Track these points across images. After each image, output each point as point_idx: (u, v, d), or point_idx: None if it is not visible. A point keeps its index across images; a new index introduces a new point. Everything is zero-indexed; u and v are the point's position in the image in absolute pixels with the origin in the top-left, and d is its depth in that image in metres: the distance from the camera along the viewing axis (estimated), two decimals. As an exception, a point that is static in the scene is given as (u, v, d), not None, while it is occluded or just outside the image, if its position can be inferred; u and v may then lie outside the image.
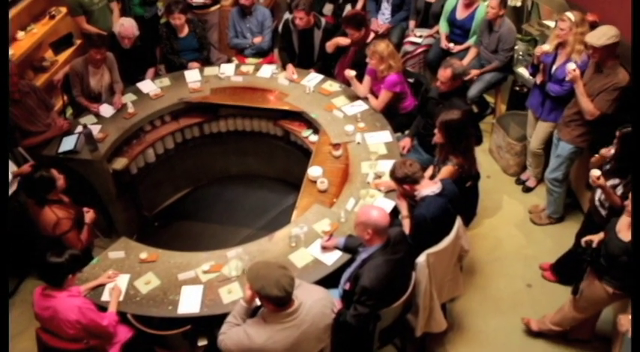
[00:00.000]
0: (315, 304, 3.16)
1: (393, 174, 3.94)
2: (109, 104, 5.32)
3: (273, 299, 2.98)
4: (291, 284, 2.99)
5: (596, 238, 3.84)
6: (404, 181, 3.88)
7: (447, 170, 4.21)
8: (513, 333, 4.51)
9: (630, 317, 3.58)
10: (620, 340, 3.80)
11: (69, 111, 5.98)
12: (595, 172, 3.94)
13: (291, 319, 3.05)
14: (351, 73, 5.19)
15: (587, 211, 4.46)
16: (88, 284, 3.81)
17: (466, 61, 5.86)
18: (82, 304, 3.49)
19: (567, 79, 4.52)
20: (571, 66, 4.48)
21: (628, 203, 3.49)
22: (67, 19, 6.14)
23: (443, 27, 6.22)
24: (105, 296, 3.76)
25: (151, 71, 5.88)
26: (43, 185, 4.02)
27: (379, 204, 4.24)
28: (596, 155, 4.16)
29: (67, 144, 4.86)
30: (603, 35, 4.26)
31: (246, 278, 3.13)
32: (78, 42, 6.21)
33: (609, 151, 4.01)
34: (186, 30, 6.00)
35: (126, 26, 5.52)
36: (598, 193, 4.17)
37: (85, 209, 4.36)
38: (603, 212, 4.14)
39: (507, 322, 4.58)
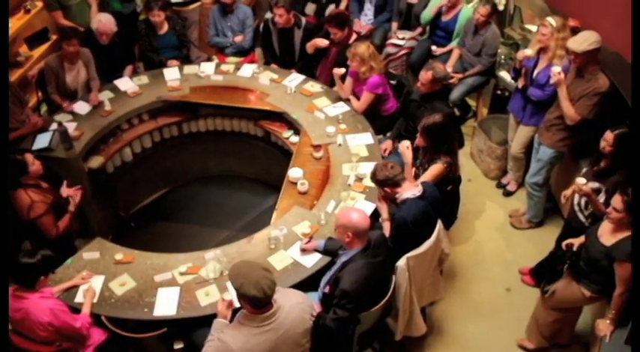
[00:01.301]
0: (294, 308, 3.11)
1: (374, 176, 3.92)
2: (85, 101, 5.22)
3: (250, 299, 2.92)
4: (272, 287, 2.93)
5: (576, 241, 3.87)
6: (385, 184, 3.87)
7: (436, 168, 4.20)
8: (493, 337, 4.51)
9: (608, 321, 3.61)
10: (598, 344, 3.82)
11: (43, 108, 5.86)
12: (581, 180, 3.94)
13: (269, 322, 3.00)
14: (340, 71, 5.15)
15: (567, 216, 4.48)
16: (61, 285, 3.73)
17: (450, 63, 5.88)
18: (54, 306, 3.41)
19: (552, 82, 4.53)
20: (556, 69, 4.50)
21: (610, 210, 3.49)
22: (43, 14, 6.02)
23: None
24: (79, 298, 3.69)
25: (129, 68, 5.79)
26: (13, 167, 4.02)
27: (360, 207, 4.21)
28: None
29: (42, 141, 4.76)
30: (585, 41, 4.28)
31: (228, 274, 3.07)
32: (54, 37, 6.08)
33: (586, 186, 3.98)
34: (165, 27, 5.92)
35: (104, 22, 5.43)
36: (577, 198, 4.18)
37: (73, 189, 4.34)
38: (582, 217, 4.17)
39: (487, 326, 4.58)
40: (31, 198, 4.05)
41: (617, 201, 3.44)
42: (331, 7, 6.78)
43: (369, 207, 4.21)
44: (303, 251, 3.94)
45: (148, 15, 5.87)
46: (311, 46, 5.72)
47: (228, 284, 3.62)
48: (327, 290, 3.63)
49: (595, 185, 4.00)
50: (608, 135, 3.92)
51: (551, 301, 4.03)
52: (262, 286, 2.89)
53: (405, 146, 4.31)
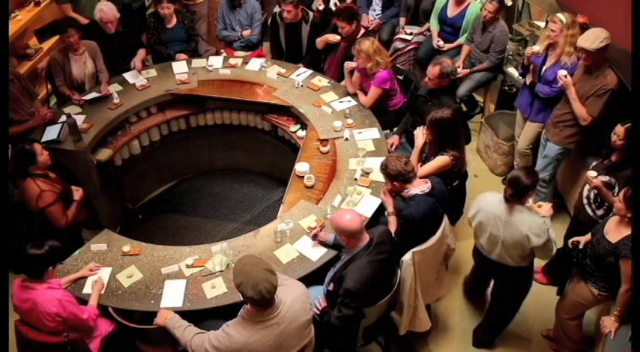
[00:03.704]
0: (296, 301, 3.11)
1: (385, 168, 3.84)
2: (95, 92, 5.23)
3: (247, 299, 2.92)
4: (271, 291, 2.90)
5: (582, 239, 3.86)
6: (396, 178, 3.81)
7: (441, 159, 4.18)
8: (497, 333, 4.52)
9: (613, 318, 3.61)
10: (603, 341, 3.82)
11: (53, 101, 5.89)
12: (591, 173, 3.94)
13: (271, 318, 3.00)
14: (352, 65, 5.15)
15: (574, 212, 4.47)
16: (69, 276, 3.76)
17: (460, 59, 5.87)
18: (62, 296, 3.44)
19: (559, 85, 4.54)
20: (562, 72, 4.50)
21: (615, 199, 3.50)
22: (53, 6, 6.04)
23: (434, 25, 6.22)
24: (86, 289, 3.71)
25: (141, 52, 5.70)
26: (22, 157, 4.08)
27: (366, 201, 4.23)
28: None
29: (51, 133, 4.78)
30: (596, 39, 4.25)
31: (233, 267, 3.06)
32: (63, 30, 6.10)
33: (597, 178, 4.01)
34: (174, 20, 5.92)
35: (105, 10, 5.41)
36: (585, 191, 4.18)
37: (75, 187, 4.41)
38: (590, 210, 4.17)
39: (491, 322, 4.58)
40: (39, 188, 4.09)
41: (621, 193, 3.47)
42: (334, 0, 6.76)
43: (374, 202, 4.22)
44: (315, 237, 3.94)
45: (157, 8, 5.85)
46: (322, 41, 5.72)
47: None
48: (331, 287, 3.64)
49: (605, 178, 4.01)
50: (619, 129, 3.92)
51: (564, 304, 4.04)
52: (260, 289, 2.86)
53: (421, 130, 4.31)
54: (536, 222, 3.64)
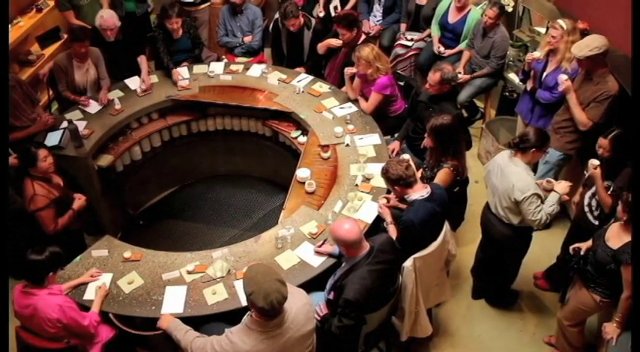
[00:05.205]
0: (300, 310, 3.09)
1: (386, 173, 3.82)
2: (95, 100, 5.25)
3: (257, 309, 2.90)
4: (282, 302, 2.89)
5: (583, 246, 3.86)
6: (397, 183, 3.79)
7: (444, 172, 4.17)
8: (499, 339, 4.51)
9: (615, 325, 3.60)
10: (604, 347, 3.81)
11: (54, 107, 5.89)
12: (594, 161, 3.96)
13: (277, 327, 2.98)
14: (353, 70, 5.15)
15: (574, 218, 4.47)
16: (69, 282, 3.76)
17: (461, 65, 5.88)
18: (63, 302, 3.44)
19: (560, 90, 4.54)
20: (563, 77, 4.50)
21: (620, 210, 3.49)
22: (55, 13, 6.05)
23: (434, 30, 6.23)
24: (87, 295, 3.71)
25: (144, 64, 5.66)
26: (24, 157, 4.13)
27: (367, 208, 4.24)
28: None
29: (52, 139, 4.79)
30: (586, 47, 4.27)
31: (244, 274, 3.05)
32: (65, 36, 6.12)
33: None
34: (180, 32, 5.87)
35: (105, 18, 5.40)
36: (587, 198, 4.17)
37: (78, 195, 4.41)
38: (591, 217, 4.16)
39: (493, 328, 4.59)
40: (34, 190, 4.09)
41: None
42: (335, 3, 6.76)
43: (375, 208, 4.22)
44: (317, 253, 3.92)
45: (165, 22, 5.69)
46: (323, 46, 5.73)
47: (237, 283, 3.67)
48: (331, 296, 3.62)
49: (605, 183, 4.01)
50: (603, 142, 3.96)
51: (565, 311, 4.03)
52: (272, 300, 2.84)
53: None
54: (526, 180, 3.90)
